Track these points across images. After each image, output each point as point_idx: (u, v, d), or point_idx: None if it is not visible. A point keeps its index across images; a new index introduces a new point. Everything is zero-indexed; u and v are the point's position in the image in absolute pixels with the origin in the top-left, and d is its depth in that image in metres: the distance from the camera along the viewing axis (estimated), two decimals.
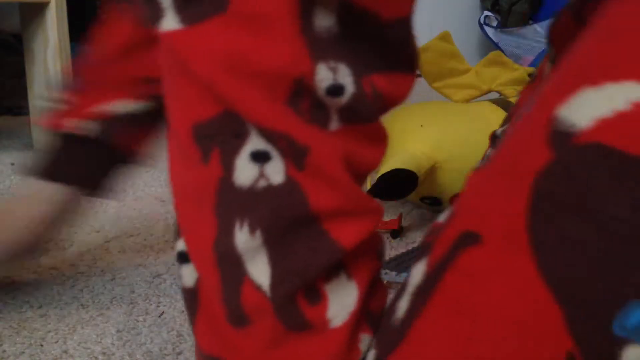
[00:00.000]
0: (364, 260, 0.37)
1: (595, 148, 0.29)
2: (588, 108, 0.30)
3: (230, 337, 0.36)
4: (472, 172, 0.36)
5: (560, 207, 0.30)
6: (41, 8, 1.38)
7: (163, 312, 0.75)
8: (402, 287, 0.37)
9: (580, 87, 0.31)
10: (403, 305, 0.35)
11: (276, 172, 0.33)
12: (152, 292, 0.80)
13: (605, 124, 0.29)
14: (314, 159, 0.33)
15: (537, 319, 0.30)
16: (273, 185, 0.34)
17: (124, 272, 0.85)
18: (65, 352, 0.66)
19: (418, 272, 0.35)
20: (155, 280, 0.83)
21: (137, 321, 0.72)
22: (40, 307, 0.75)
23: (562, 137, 0.30)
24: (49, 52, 1.41)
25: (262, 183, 0.34)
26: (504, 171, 0.33)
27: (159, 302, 0.77)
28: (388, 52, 0.35)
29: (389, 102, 0.36)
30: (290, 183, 0.33)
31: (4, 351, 0.66)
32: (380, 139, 0.38)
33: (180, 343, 0.68)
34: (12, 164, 1.36)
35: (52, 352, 0.66)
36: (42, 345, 0.67)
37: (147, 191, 1.19)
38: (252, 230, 0.34)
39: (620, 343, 0.28)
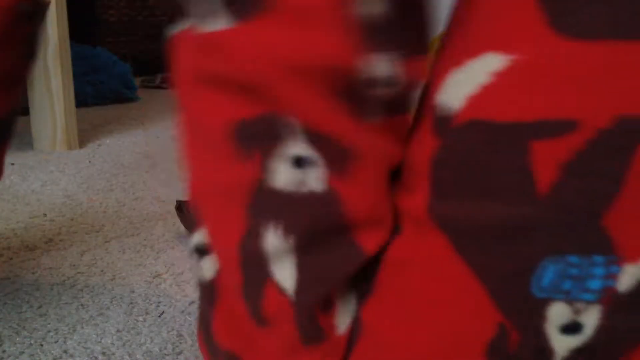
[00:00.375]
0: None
1: (470, 125, 0.30)
2: (458, 89, 0.31)
3: (252, 334, 0.36)
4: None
5: (455, 188, 0.31)
6: None
7: (163, 312, 0.75)
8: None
9: (449, 70, 0.32)
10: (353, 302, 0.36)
11: (318, 179, 0.33)
12: (152, 292, 0.80)
13: (474, 100, 0.30)
14: (358, 166, 0.33)
15: (463, 297, 0.31)
16: (314, 192, 0.33)
17: (124, 272, 0.85)
18: (65, 352, 0.66)
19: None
20: (155, 280, 0.83)
21: (137, 321, 0.72)
22: (40, 307, 0.75)
23: (443, 123, 0.31)
24: (49, 52, 1.41)
25: (302, 189, 0.33)
26: (407, 164, 0.34)
27: (159, 302, 0.77)
28: (424, 36, 0.35)
29: (414, 89, 0.37)
30: (330, 192, 0.33)
31: (4, 351, 0.66)
32: (405, 134, 0.38)
33: (180, 343, 0.68)
34: (12, 164, 1.36)
35: (52, 352, 0.66)
36: (42, 345, 0.67)
37: (147, 191, 1.19)
38: (286, 235, 0.33)
39: (542, 304, 0.29)
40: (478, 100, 0.30)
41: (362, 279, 0.35)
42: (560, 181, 0.28)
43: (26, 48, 0.64)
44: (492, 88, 0.29)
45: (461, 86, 0.30)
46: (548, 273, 0.29)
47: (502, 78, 0.29)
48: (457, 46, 0.32)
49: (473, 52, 0.30)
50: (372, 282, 0.34)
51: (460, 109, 0.30)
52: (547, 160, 0.28)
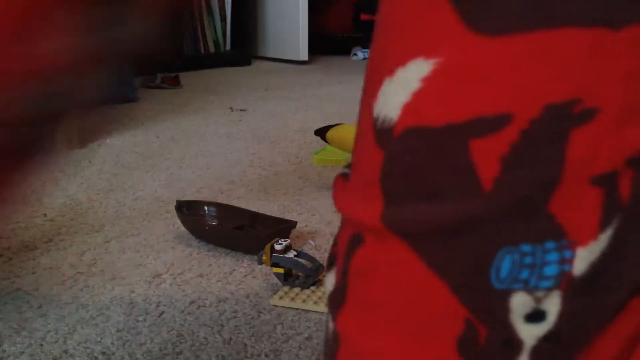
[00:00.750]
0: None
1: (409, 134, 0.30)
2: (392, 98, 0.31)
3: None
4: (339, 181, 0.38)
5: (405, 195, 0.31)
6: None
7: (163, 312, 0.75)
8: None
9: (382, 81, 0.32)
10: (328, 317, 0.37)
11: None
12: (152, 292, 0.80)
13: (409, 108, 0.30)
14: None
15: (427, 298, 0.31)
16: None
17: (124, 272, 0.85)
18: (65, 352, 0.66)
19: (329, 282, 0.37)
20: (155, 280, 0.83)
21: (137, 321, 0.72)
22: (40, 307, 0.75)
23: (384, 134, 0.32)
24: None
25: None
26: (358, 180, 0.34)
27: (159, 302, 0.77)
28: None
29: None
30: None
31: (4, 351, 0.66)
32: None
33: (180, 343, 0.68)
34: None
35: (52, 352, 0.66)
36: (42, 345, 0.67)
37: (147, 191, 1.19)
38: None
39: (504, 295, 0.30)
40: (412, 107, 0.30)
41: (339, 289, 0.35)
42: (502, 174, 0.28)
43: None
44: (423, 94, 0.30)
45: (395, 96, 0.31)
46: (505, 264, 0.29)
47: (430, 83, 0.30)
48: (387, 55, 0.32)
49: (401, 59, 0.31)
50: (345, 292, 0.35)
51: (398, 118, 0.31)
52: (487, 156, 0.29)
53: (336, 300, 0.35)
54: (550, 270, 0.29)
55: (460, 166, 0.29)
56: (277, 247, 0.80)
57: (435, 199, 0.30)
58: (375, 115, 0.32)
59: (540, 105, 0.28)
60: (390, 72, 0.31)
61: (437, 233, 0.30)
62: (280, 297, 0.77)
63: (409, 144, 0.30)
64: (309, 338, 0.70)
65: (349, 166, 0.38)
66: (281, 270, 0.80)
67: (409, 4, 0.31)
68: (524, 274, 0.29)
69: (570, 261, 0.29)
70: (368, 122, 0.33)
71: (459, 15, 0.29)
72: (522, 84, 0.28)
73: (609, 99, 0.27)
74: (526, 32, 0.28)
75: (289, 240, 0.81)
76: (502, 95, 0.28)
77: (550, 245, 0.29)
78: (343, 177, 0.37)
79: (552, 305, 0.29)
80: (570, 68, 0.27)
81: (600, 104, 0.27)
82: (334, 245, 0.38)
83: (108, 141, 1.56)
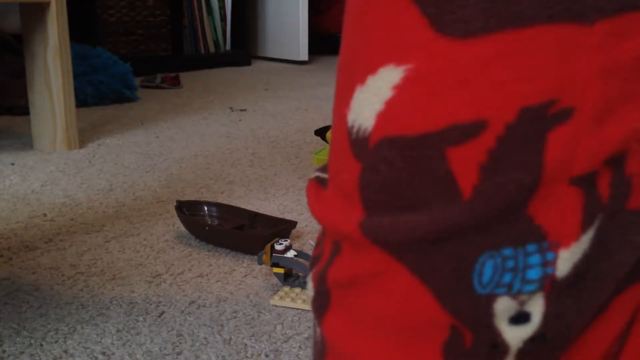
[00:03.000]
0: None
1: (384, 144, 0.30)
2: (365, 107, 0.30)
3: None
4: (313, 187, 0.37)
5: (384, 205, 0.30)
6: (41, 8, 1.38)
7: (163, 312, 0.75)
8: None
9: (354, 88, 0.31)
10: (315, 321, 0.37)
11: None
12: (152, 292, 0.80)
13: (383, 117, 0.30)
14: None
15: (411, 305, 0.31)
16: None
17: (124, 272, 0.85)
18: (65, 351, 0.66)
19: (309, 286, 0.36)
20: (155, 280, 0.83)
21: (137, 321, 0.72)
22: (40, 307, 0.75)
23: (359, 144, 0.31)
24: (49, 52, 1.41)
25: None
26: (336, 189, 0.34)
27: (159, 302, 0.77)
28: None
29: None
30: None
31: (4, 351, 0.66)
32: None
33: (180, 343, 0.68)
34: (12, 164, 1.36)
35: (52, 352, 0.66)
36: (42, 345, 0.67)
37: (147, 191, 1.19)
38: None
39: (487, 300, 0.29)
40: (386, 117, 0.30)
41: (321, 294, 0.35)
42: (480, 181, 0.28)
43: None
44: (395, 102, 0.29)
45: (368, 104, 0.30)
46: (487, 269, 0.29)
47: (401, 90, 0.29)
48: (357, 61, 0.31)
49: (372, 67, 0.30)
50: (328, 298, 0.35)
51: (373, 128, 0.30)
52: (465, 164, 0.28)
53: (320, 305, 0.35)
54: (533, 273, 0.29)
55: (438, 175, 0.29)
56: (277, 247, 0.80)
57: (415, 209, 0.29)
58: (349, 124, 0.32)
59: (515, 109, 0.27)
60: (362, 79, 0.31)
61: (418, 242, 0.30)
62: (281, 297, 0.77)
63: (385, 155, 0.30)
64: (309, 338, 0.70)
65: (322, 169, 0.38)
66: (281, 270, 0.80)
67: (375, 9, 0.30)
68: (507, 278, 0.29)
69: (552, 263, 0.28)
70: (343, 131, 0.32)
71: (426, 18, 0.28)
72: (495, 88, 0.27)
73: (584, 97, 0.27)
74: (495, 32, 0.27)
75: (289, 240, 0.81)
76: (475, 101, 0.27)
77: (531, 247, 0.28)
78: (317, 182, 0.37)
79: (536, 306, 0.29)
80: (543, 67, 0.27)
81: (576, 103, 0.27)
82: (317, 246, 0.38)
83: (108, 141, 1.56)
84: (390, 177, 0.30)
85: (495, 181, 0.28)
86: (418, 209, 0.29)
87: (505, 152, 0.28)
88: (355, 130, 0.31)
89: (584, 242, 0.28)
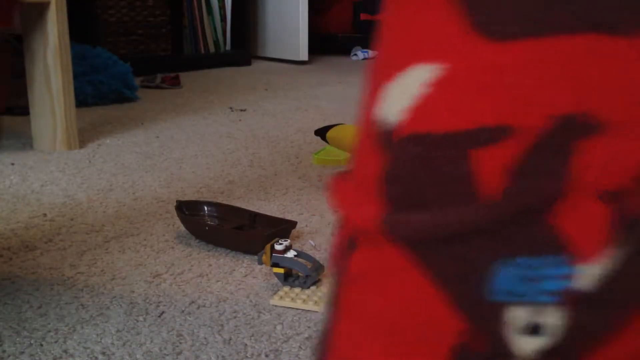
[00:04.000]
0: None
1: (410, 139, 0.30)
2: (394, 103, 0.30)
3: None
4: (337, 181, 0.37)
5: (406, 200, 0.30)
6: (41, 8, 1.38)
7: (163, 312, 0.75)
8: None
9: (383, 84, 0.31)
10: (324, 320, 0.37)
11: None
12: (152, 292, 0.80)
13: (410, 114, 0.30)
14: None
15: (422, 305, 0.31)
16: None
17: (124, 272, 0.85)
18: (65, 351, 0.66)
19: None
20: (155, 280, 0.83)
21: (137, 321, 0.72)
22: (40, 307, 0.75)
23: (386, 138, 0.31)
24: (49, 52, 1.41)
25: None
26: (357, 183, 0.34)
27: (159, 302, 0.77)
28: None
29: None
30: None
31: (4, 351, 0.66)
32: None
33: (180, 343, 0.68)
34: (12, 164, 1.36)
35: (52, 352, 0.66)
36: (42, 345, 0.67)
37: (147, 191, 1.19)
38: None
39: (498, 308, 0.29)
40: (414, 113, 0.30)
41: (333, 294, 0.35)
42: (502, 185, 0.28)
43: None
44: (425, 100, 0.29)
45: (396, 100, 0.30)
46: (500, 276, 0.29)
47: (432, 89, 0.29)
48: (390, 59, 0.32)
49: (404, 64, 0.30)
50: (335, 297, 0.35)
51: (399, 123, 0.30)
52: (487, 167, 0.28)
53: (330, 305, 0.35)
54: (550, 285, 0.28)
55: (459, 175, 0.29)
56: (277, 247, 0.80)
57: (432, 207, 0.29)
58: (375, 119, 0.32)
59: (544, 116, 0.27)
60: (393, 76, 0.31)
61: (433, 241, 0.30)
62: (281, 297, 0.77)
63: (408, 151, 0.30)
64: (309, 338, 0.70)
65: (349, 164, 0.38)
66: (281, 270, 0.80)
67: (413, 7, 0.30)
68: (521, 288, 0.29)
69: (573, 276, 0.28)
70: (368, 126, 0.33)
71: (466, 18, 0.28)
72: (527, 93, 0.27)
73: (616, 111, 0.27)
74: (532, 38, 0.27)
75: (289, 240, 0.81)
76: (506, 104, 0.27)
77: (550, 258, 0.28)
78: (342, 177, 0.37)
79: (551, 318, 0.29)
80: (577, 77, 0.27)
81: (607, 116, 0.27)
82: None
83: (108, 141, 1.56)
84: (411, 173, 0.30)
85: (517, 186, 0.28)
86: (436, 207, 0.29)
87: (531, 158, 0.27)
88: (380, 124, 0.31)
89: (612, 257, 0.28)
